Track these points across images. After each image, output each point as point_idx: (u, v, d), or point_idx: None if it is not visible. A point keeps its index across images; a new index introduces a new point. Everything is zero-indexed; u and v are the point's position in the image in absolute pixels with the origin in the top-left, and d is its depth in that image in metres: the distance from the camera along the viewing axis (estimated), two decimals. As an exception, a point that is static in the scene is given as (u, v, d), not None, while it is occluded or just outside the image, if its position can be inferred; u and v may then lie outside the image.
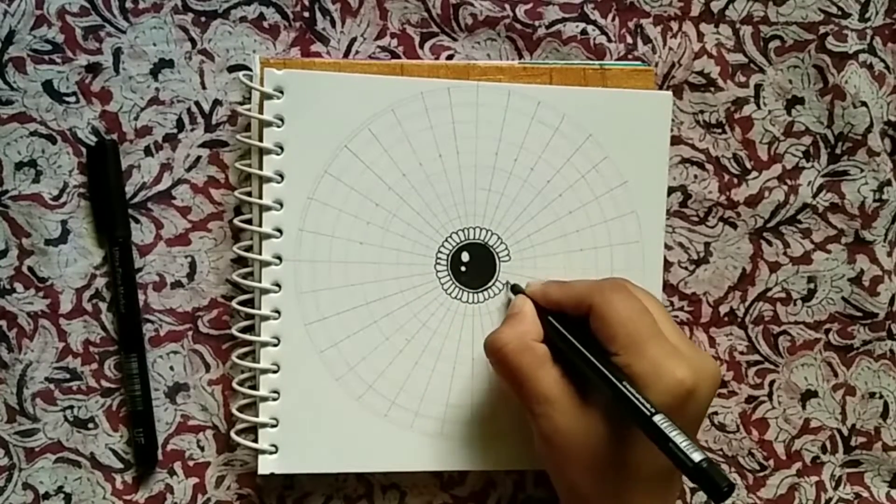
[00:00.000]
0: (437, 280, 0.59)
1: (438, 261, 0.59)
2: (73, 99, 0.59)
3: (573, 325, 0.54)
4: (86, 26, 0.59)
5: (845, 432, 0.64)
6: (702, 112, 0.62)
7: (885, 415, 0.64)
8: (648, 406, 0.48)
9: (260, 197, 0.58)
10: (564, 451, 0.52)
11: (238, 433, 0.59)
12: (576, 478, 0.53)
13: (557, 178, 0.59)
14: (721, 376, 0.58)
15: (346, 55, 0.60)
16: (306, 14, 0.60)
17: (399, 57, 0.60)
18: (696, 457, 0.46)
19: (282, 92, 0.57)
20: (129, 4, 0.59)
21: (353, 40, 0.60)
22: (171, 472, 0.60)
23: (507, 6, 0.60)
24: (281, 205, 0.58)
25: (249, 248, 0.59)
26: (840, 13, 0.62)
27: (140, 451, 0.59)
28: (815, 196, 0.62)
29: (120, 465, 0.60)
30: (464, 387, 0.59)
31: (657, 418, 0.47)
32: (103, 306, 0.59)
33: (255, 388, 0.59)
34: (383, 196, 0.58)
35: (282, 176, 0.58)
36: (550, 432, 0.52)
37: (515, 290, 0.59)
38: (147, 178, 0.60)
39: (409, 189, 0.58)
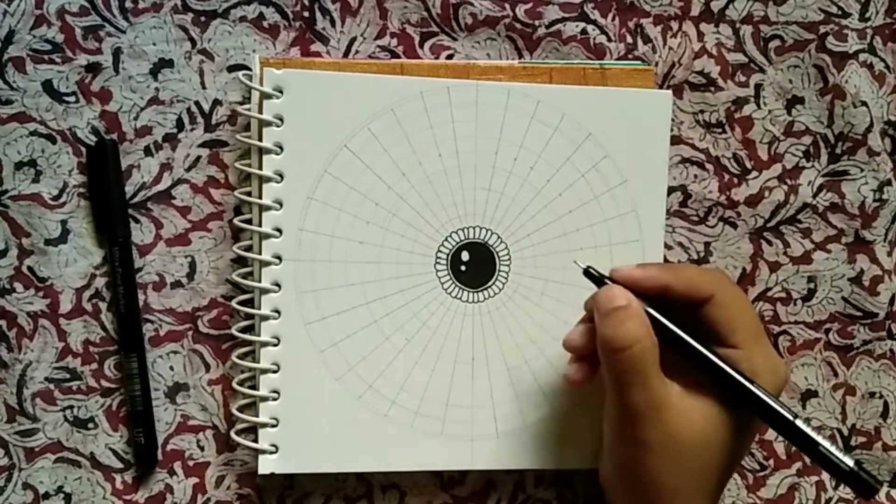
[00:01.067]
0: (436, 279, 0.59)
1: (438, 260, 0.59)
2: (72, 99, 0.59)
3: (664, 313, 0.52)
4: (85, 26, 0.59)
5: (845, 432, 0.64)
6: (702, 112, 0.62)
7: (885, 414, 0.64)
8: (788, 411, 0.50)
9: (260, 197, 0.58)
10: (679, 453, 0.51)
11: (238, 433, 0.59)
12: (675, 476, 0.51)
13: (557, 177, 0.59)
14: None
15: (345, 55, 0.60)
16: (306, 14, 0.60)
17: (399, 56, 0.60)
18: (849, 461, 0.49)
19: (281, 92, 0.57)
20: (128, 4, 0.59)
21: (353, 40, 0.60)
22: (171, 472, 0.60)
23: (507, 6, 0.60)
24: (281, 204, 0.58)
25: (249, 248, 0.59)
26: (840, 13, 0.62)
27: (140, 451, 0.59)
28: (815, 196, 0.62)
29: (120, 465, 0.60)
30: (464, 386, 0.59)
31: (800, 423, 0.50)
32: (103, 306, 0.59)
33: (255, 387, 0.59)
34: (383, 195, 0.58)
35: (281, 176, 0.58)
36: (666, 438, 0.51)
37: (594, 276, 0.54)
38: (147, 178, 0.60)
39: (409, 188, 0.58)
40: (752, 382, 0.51)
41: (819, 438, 0.49)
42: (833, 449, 0.49)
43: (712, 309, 0.52)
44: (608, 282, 0.53)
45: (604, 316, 0.52)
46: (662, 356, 0.51)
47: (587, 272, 0.54)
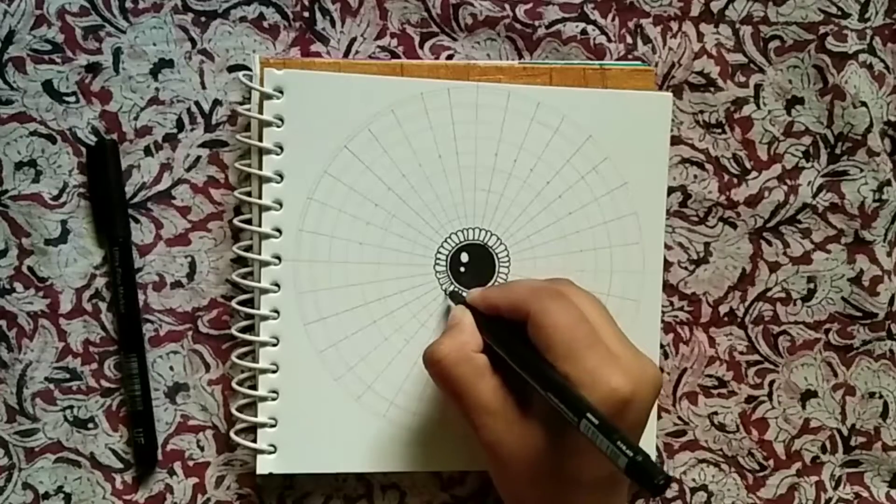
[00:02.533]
0: (436, 280, 0.59)
1: (438, 261, 0.59)
2: (72, 99, 0.59)
3: (515, 333, 0.53)
4: (86, 26, 0.59)
5: (845, 432, 0.64)
6: (702, 112, 0.62)
7: (884, 415, 0.64)
8: (581, 406, 0.47)
9: (259, 197, 0.58)
10: (506, 461, 0.52)
11: (237, 433, 0.59)
12: (519, 487, 0.53)
13: (557, 179, 0.59)
14: (662, 381, 0.55)
15: (345, 55, 0.60)
16: (306, 14, 0.60)
17: (399, 57, 0.60)
18: (629, 452, 0.44)
19: (282, 92, 0.57)
20: (128, 4, 0.59)
21: (353, 40, 0.60)
22: (171, 472, 0.60)
23: (506, 6, 0.60)
24: (280, 205, 0.58)
25: (249, 248, 0.59)
26: (840, 13, 0.62)
27: (140, 451, 0.59)
28: (814, 196, 0.62)
29: (120, 465, 0.60)
30: (463, 387, 0.59)
31: (588, 417, 0.46)
32: (103, 306, 0.60)
33: (254, 387, 0.59)
34: (383, 196, 0.58)
35: (281, 176, 0.58)
36: (492, 443, 0.52)
37: (455, 298, 0.58)
38: (147, 178, 0.60)
39: (409, 189, 0.58)
40: (555, 383, 0.49)
41: (603, 432, 0.46)
42: (617, 443, 0.45)
43: (529, 328, 0.52)
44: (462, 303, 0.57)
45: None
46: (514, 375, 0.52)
47: (452, 295, 0.59)
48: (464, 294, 0.57)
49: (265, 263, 0.58)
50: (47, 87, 0.59)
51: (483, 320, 0.55)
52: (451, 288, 0.59)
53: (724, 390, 0.63)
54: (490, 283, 0.59)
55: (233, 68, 0.60)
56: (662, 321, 0.61)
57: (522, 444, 0.51)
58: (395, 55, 0.60)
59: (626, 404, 0.49)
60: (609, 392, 0.49)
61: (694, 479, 0.63)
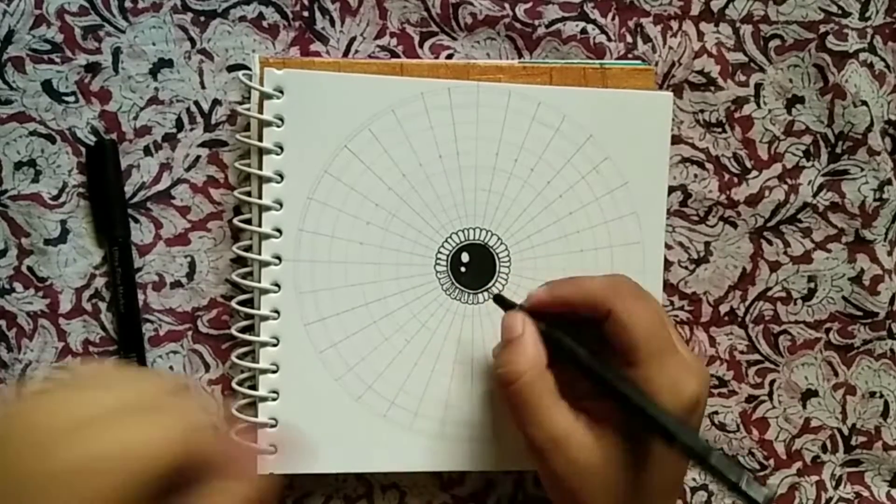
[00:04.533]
0: (436, 281, 0.59)
1: (438, 261, 0.59)
2: (72, 98, 0.59)
3: (566, 331, 0.52)
4: (85, 26, 0.59)
5: (846, 432, 0.64)
6: (702, 111, 0.62)
7: (885, 414, 0.64)
8: (701, 446, 0.48)
9: (259, 197, 0.58)
10: (581, 484, 0.50)
11: (237, 433, 0.59)
12: (588, 500, 0.51)
13: (558, 178, 0.59)
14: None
15: (345, 55, 0.60)
16: (306, 13, 0.60)
17: (399, 56, 0.60)
18: (734, 476, 0.46)
19: (281, 92, 0.57)
20: (128, 4, 0.59)
21: (353, 40, 0.60)
22: (171, 472, 0.60)
23: (506, 5, 0.60)
24: (280, 205, 0.58)
25: (249, 248, 0.59)
26: (840, 12, 0.62)
27: (140, 452, 0.59)
28: (815, 195, 0.62)
29: (120, 465, 0.60)
30: (463, 387, 0.59)
31: (683, 436, 0.48)
32: (103, 306, 0.59)
33: (254, 388, 0.59)
34: (383, 196, 0.58)
35: (281, 176, 0.58)
36: (565, 469, 0.50)
37: (503, 303, 0.55)
38: (146, 178, 0.59)
39: (409, 189, 0.58)
40: (654, 409, 0.49)
41: (705, 449, 0.47)
42: (722, 462, 0.46)
43: (609, 325, 0.51)
44: (515, 308, 0.54)
45: (501, 347, 0.53)
46: (572, 383, 0.51)
47: (496, 298, 0.55)
48: (508, 299, 0.55)
49: (265, 263, 0.58)
50: (47, 86, 0.59)
51: (546, 330, 0.52)
52: (495, 290, 0.58)
53: (724, 390, 0.63)
54: (491, 283, 0.59)
55: (232, 68, 0.60)
56: (663, 321, 0.61)
57: (599, 465, 0.50)
58: (394, 55, 0.60)
59: (697, 406, 0.51)
60: (688, 398, 0.50)
61: (694, 479, 0.63)
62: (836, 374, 0.63)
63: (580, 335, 0.52)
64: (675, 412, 0.49)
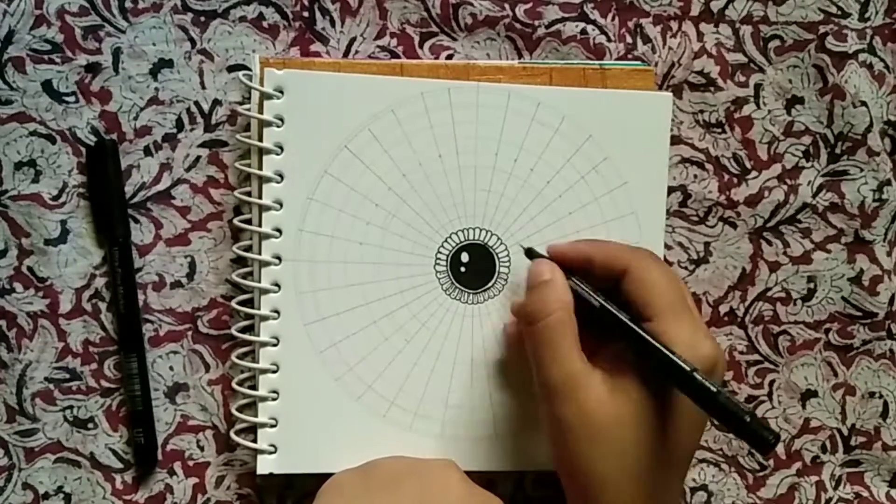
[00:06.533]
0: (436, 280, 0.59)
1: (438, 261, 0.59)
2: (72, 99, 0.59)
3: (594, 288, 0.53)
4: (85, 26, 0.59)
5: (845, 432, 0.64)
6: (701, 112, 0.62)
7: (884, 414, 0.64)
8: (688, 365, 0.49)
9: (259, 197, 0.58)
10: (592, 434, 0.50)
11: (237, 433, 0.59)
12: (600, 464, 0.51)
13: (557, 178, 0.59)
14: None
15: (345, 55, 0.60)
16: (306, 14, 0.60)
17: (399, 57, 0.60)
18: (745, 412, 0.47)
19: (282, 92, 0.57)
20: (128, 4, 0.59)
21: (353, 40, 0.60)
22: (171, 472, 0.60)
23: (506, 6, 0.60)
24: (280, 205, 0.58)
25: (249, 248, 0.59)
26: (840, 13, 0.62)
27: (140, 451, 0.59)
28: (814, 196, 0.62)
29: (120, 465, 0.60)
30: (463, 387, 0.59)
31: (698, 375, 0.48)
32: (103, 306, 0.59)
33: (254, 388, 0.59)
34: (383, 196, 0.58)
35: (281, 176, 0.58)
36: (580, 415, 0.51)
37: (532, 254, 0.56)
38: (146, 178, 0.60)
39: (409, 189, 0.58)
40: (655, 340, 0.50)
41: (716, 390, 0.48)
42: (732, 400, 0.48)
43: (627, 282, 0.52)
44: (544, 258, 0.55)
45: (529, 290, 0.54)
46: (590, 340, 0.52)
47: (528, 252, 0.56)
48: (538, 251, 0.56)
49: (265, 263, 0.58)
50: (47, 86, 0.59)
51: (571, 277, 0.54)
52: (526, 244, 0.57)
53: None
54: (491, 283, 0.59)
55: (232, 68, 0.60)
56: (662, 321, 0.61)
57: (611, 415, 0.50)
58: (394, 55, 0.60)
59: (715, 367, 0.51)
60: (706, 355, 0.51)
61: (694, 479, 0.63)
62: (836, 375, 0.63)
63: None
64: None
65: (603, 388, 0.51)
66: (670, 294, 0.52)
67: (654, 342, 0.50)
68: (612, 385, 0.51)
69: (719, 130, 0.62)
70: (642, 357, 0.51)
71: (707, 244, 0.62)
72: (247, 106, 0.59)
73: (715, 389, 0.48)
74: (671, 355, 0.49)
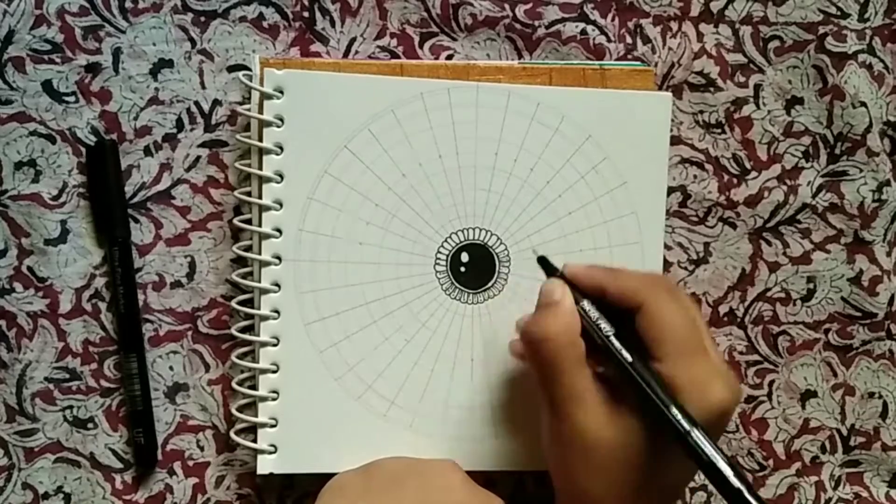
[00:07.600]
0: (436, 280, 0.59)
1: (438, 261, 0.59)
2: (72, 99, 0.59)
3: (604, 315, 0.52)
4: (85, 26, 0.59)
5: (844, 432, 0.64)
6: (701, 112, 0.62)
7: (884, 415, 0.64)
8: (687, 422, 0.48)
9: (259, 197, 0.58)
10: (586, 453, 0.50)
11: (237, 433, 0.59)
12: (591, 483, 0.51)
13: (557, 178, 0.59)
14: None
15: (345, 55, 0.60)
16: (306, 14, 0.60)
17: (399, 57, 0.60)
18: (736, 483, 0.47)
19: (282, 92, 0.57)
20: (128, 4, 0.59)
21: (353, 40, 0.60)
22: (171, 472, 0.60)
23: (506, 6, 0.60)
24: (281, 205, 0.58)
25: (249, 248, 0.59)
26: (839, 13, 0.62)
27: (140, 451, 0.59)
28: (814, 196, 0.62)
29: (120, 465, 0.60)
30: (463, 387, 0.59)
31: (693, 435, 0.47)
32: (103, 306, 0.60)
33: (254, 387, 0.59)
34: (383, 196, 0.58)
35: (281, 176, 0.58)
36: (575, 434, 0.50)
37: (547, 268, 0.55)
38: (146, 178, 0.60)
39: (409, 189, 0.58)
40: (667, 398, 0.49)
41: (707, 453, 0.47)
42: (728, 470, 0.47)
43: (641, 319, 0.51)
44: (557, 273, 0.54)
45: (537, 308, 0.53)
46: (598, 365, 0.52)
47: (541, 260, 0.55)
48: (552, 263, 0.55)
49: (265, 263, 0.58)
50: (47, 86, 0.59)
51: (583, 300, 0.53)
52: (540, 252, 0.55)
53: (723, 390, 0.63)
54: (491, 283, 0.59)
55: (232, 68, 0.60)
56: (662, 321, 0.61)
57: (610, 439, 0.50)
58: (394, 55, 0.60)
59: (724, 417, 0.50)
60: (716, 404, 0.50)
61: (694, 480, 0.63)
62: (835, 375, 0.63)
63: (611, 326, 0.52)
64: (697, 413, 0.49)
65: (601, 410, 0.50)
66: (684, 334, 0.51)
67: (652, 393, 0.49)
68: (613, 411, 0.51)
69: (719, 131, 0.62)
70: (642, 403, 0.50)
71: (707, 244, 0.62)
72: (247, 106, 0.59)
73: (708, 453, 0.47)
74: (667, 411, 0.48)
